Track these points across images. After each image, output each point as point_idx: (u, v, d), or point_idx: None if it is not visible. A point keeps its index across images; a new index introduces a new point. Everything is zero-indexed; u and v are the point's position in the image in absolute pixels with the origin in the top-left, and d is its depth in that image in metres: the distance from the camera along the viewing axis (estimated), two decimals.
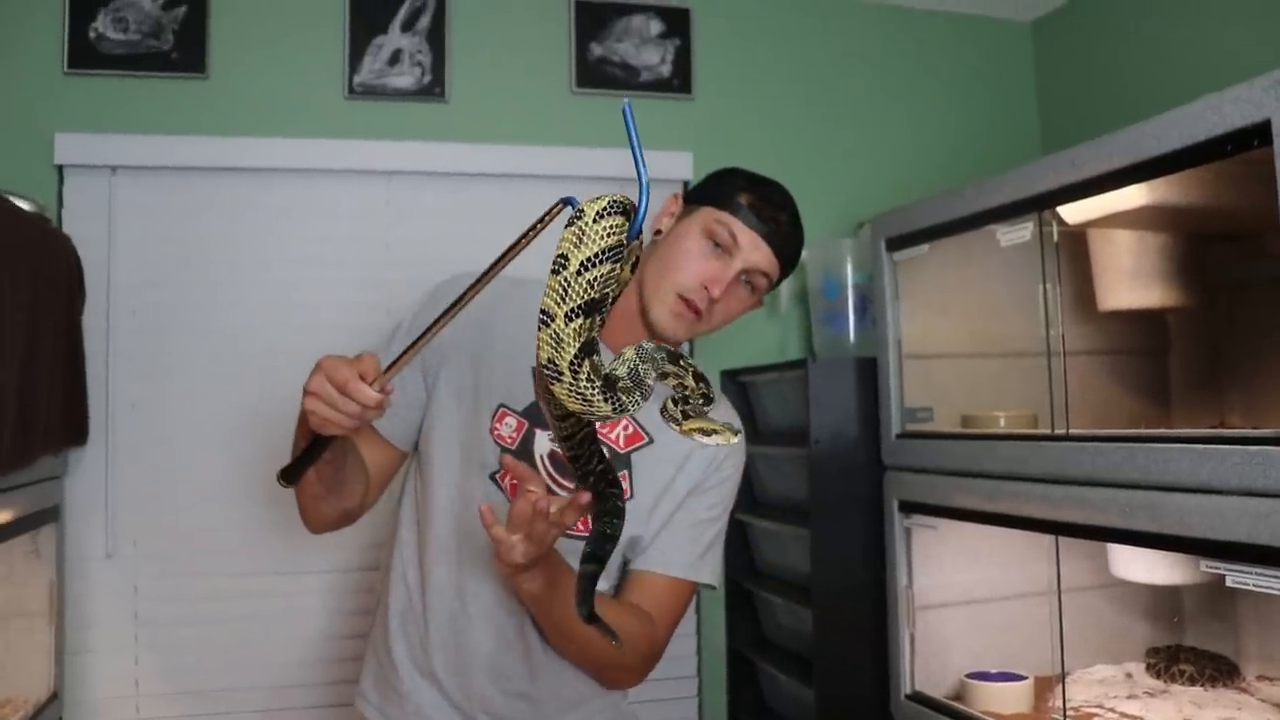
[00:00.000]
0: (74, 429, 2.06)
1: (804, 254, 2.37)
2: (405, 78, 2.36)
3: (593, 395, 0.92)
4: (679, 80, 2.54)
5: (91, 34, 2.21)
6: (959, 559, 2.00)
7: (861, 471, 2.05)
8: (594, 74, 2.48)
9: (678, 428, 1.07)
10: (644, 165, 0.89)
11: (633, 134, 0.89)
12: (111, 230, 2.22)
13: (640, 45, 2.51)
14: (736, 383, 2.43)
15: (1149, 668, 1.90)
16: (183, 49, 2.26)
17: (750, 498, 2.45)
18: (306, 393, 1.16)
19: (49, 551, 2.05)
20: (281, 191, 2.31)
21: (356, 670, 1.61)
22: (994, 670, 1.92)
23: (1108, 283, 1.91)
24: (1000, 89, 2.79)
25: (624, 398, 0.94)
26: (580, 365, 0.90)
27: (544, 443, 1.45)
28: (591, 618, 1.08)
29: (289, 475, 1.27)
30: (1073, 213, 1.71)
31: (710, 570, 1.53)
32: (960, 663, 1.95)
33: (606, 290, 0.90)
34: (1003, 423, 1.87)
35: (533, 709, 1.48)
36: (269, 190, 2.31)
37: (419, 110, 2.38)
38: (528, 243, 1.04)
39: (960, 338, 2.07)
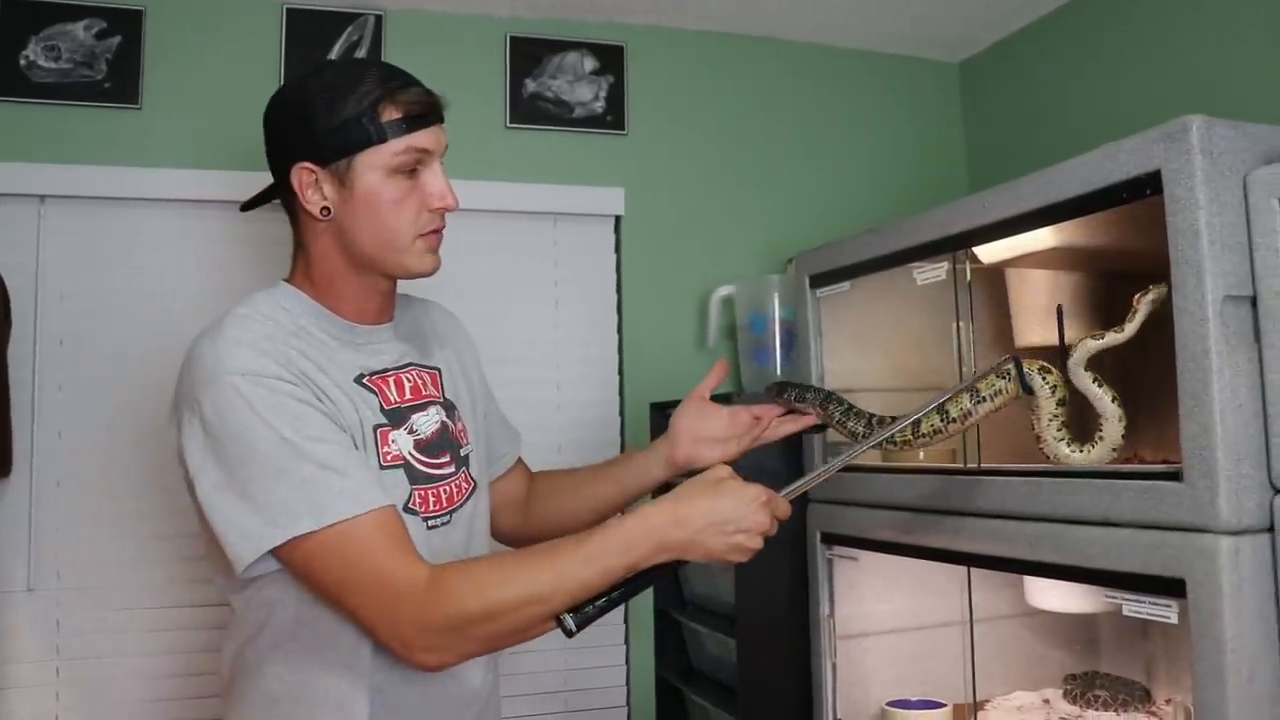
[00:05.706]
0: None
1: (732, 289, 2.46)
2: None
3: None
4: (612, 116, 2.56)
5: (22, 62, 2.19)
6: (880, 590, 2.02)
7: None
8: (528, 110, 2.50)
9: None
10: None
11: None
12: (40, 259, 2.20)
13: (574, 82, 2.53)
14: (664, 415, 2.35)
15: (1066, 694, 1.93)
16: (116, 79, 2.24)
17: None
18: (752, 533, 1.33)
19: None
20: (214, 224, 2.29)
21: None
22: (914, 698, 1.94)
23: (1022, 320, 1.94)
24: (928, 129, 2.84)
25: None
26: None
27: (407, 441, 1.35)
28: None
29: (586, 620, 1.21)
30: (987, 253, 1.74)
31: None
32: (882, 691, 1.98)
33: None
34: (921, 456, 1.89)
35: None
36: (201, 222, 2.29)
37: None
38: (968, 387, 1.49)
39: (881, 372, 2.10)
